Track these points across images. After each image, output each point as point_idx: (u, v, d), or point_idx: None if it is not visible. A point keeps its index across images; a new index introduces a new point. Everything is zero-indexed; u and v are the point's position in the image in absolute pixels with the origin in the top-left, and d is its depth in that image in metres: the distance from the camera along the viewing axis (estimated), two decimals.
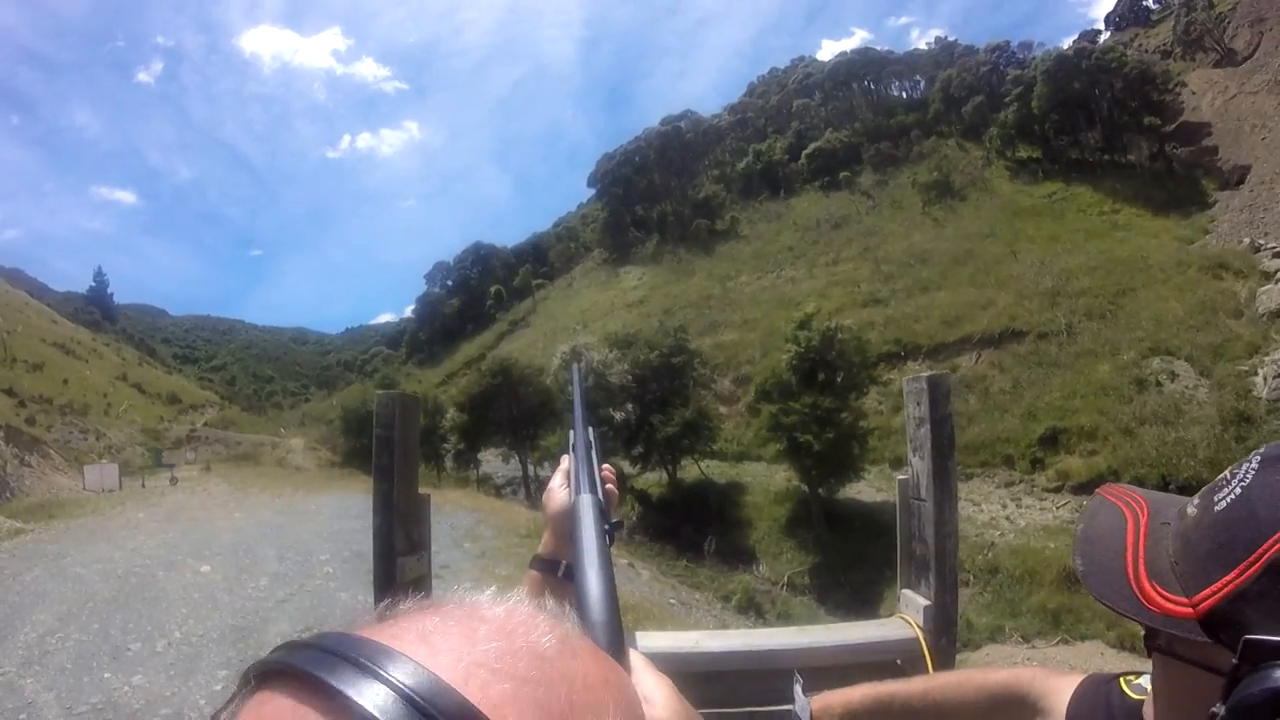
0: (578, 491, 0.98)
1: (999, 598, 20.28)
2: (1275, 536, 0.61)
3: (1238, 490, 0.67)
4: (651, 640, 2.82)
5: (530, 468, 38.57)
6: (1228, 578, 0.64)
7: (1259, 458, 0.68)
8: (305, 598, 10.72)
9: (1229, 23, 60.58)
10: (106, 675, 7.60)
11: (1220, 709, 0.58)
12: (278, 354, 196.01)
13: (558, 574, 1.06)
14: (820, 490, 27.91)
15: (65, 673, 7.57)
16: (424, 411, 29.27)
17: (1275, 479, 0.65)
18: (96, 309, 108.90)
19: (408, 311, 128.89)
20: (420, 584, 2.79)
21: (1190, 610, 0.66)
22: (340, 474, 35.98)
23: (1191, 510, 0.72)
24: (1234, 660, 0.59)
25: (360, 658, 0.36)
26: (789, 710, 2.09)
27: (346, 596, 10.69)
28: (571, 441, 1.16)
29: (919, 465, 3.18)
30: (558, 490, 1.16)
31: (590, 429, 1.18)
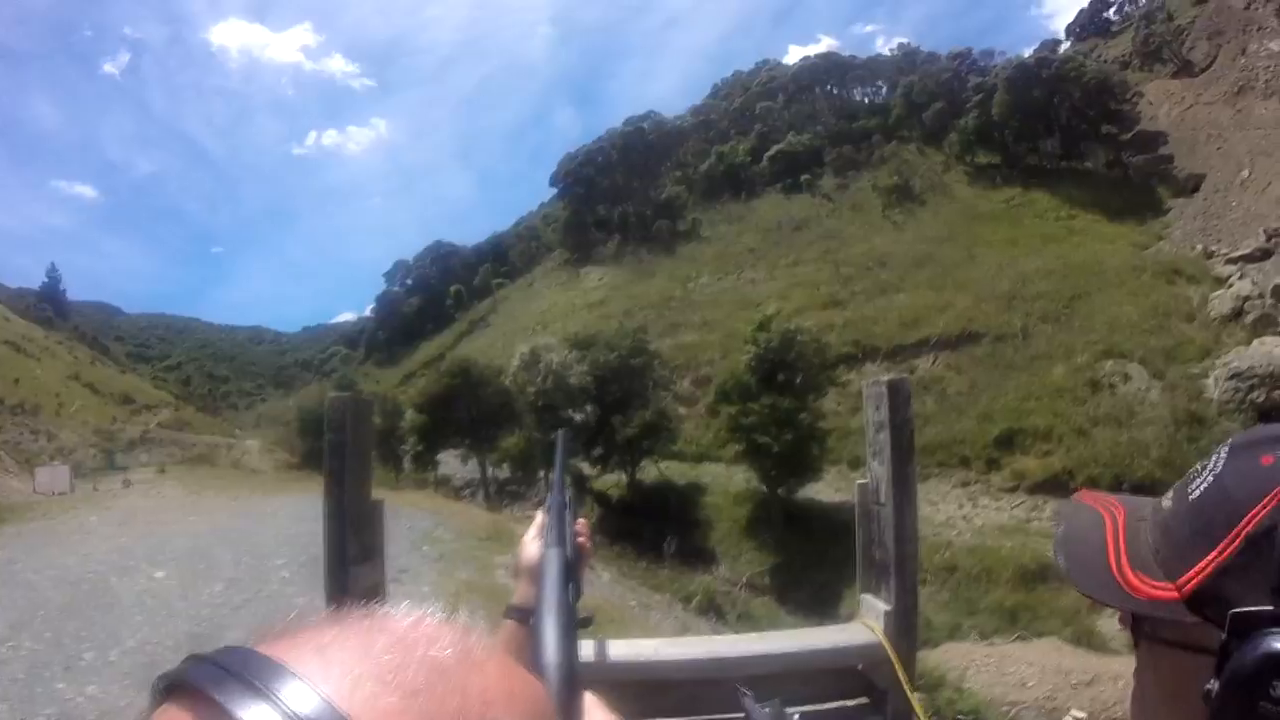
0: (548, 545, 1.07)
1: (956, 596, 20.38)
2: (1251, 512, 0.63)
3: (1210, 479, 0.68)
4: (612, 649, 2.78)
5: (489, 469, 38.22)
6: (1209, 556, 0.65)
7: (1228, 446, 0.70)
8: (261, 604, 10.46)
9: (1188, 35, 61.71)
10: (60, 685, 7.35)
11: (1214, 684, 0.59)
12: (234, 353, 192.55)
13: (529, 622, 1.00)
14: (779, 491, 27.91)
15: (18, 683, 7.31)
16: (382, 412, 29.04)
17: (1245, 463, 0.67)
18: (49, 306, 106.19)
19: (367, 310, 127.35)
20: (374, 591, 2.68)
21: (1175, 593, 0.67)
22: (297, 476, 35.44)
23: (1167, 503, 0.74)
24: (1223, 635, 0.60)
25: (251, 676, 0.37)
26: None
27: (303, 602, 10.38)
28: (548, 500, 1.22)
29: (879, 470, 3.09)
30: (530, 543, 1.20)
31: (568, 490, 1.25)
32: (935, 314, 38.60)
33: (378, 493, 2.95)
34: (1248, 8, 54.78)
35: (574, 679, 0.74)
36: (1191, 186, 46.93)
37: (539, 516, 1.25)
